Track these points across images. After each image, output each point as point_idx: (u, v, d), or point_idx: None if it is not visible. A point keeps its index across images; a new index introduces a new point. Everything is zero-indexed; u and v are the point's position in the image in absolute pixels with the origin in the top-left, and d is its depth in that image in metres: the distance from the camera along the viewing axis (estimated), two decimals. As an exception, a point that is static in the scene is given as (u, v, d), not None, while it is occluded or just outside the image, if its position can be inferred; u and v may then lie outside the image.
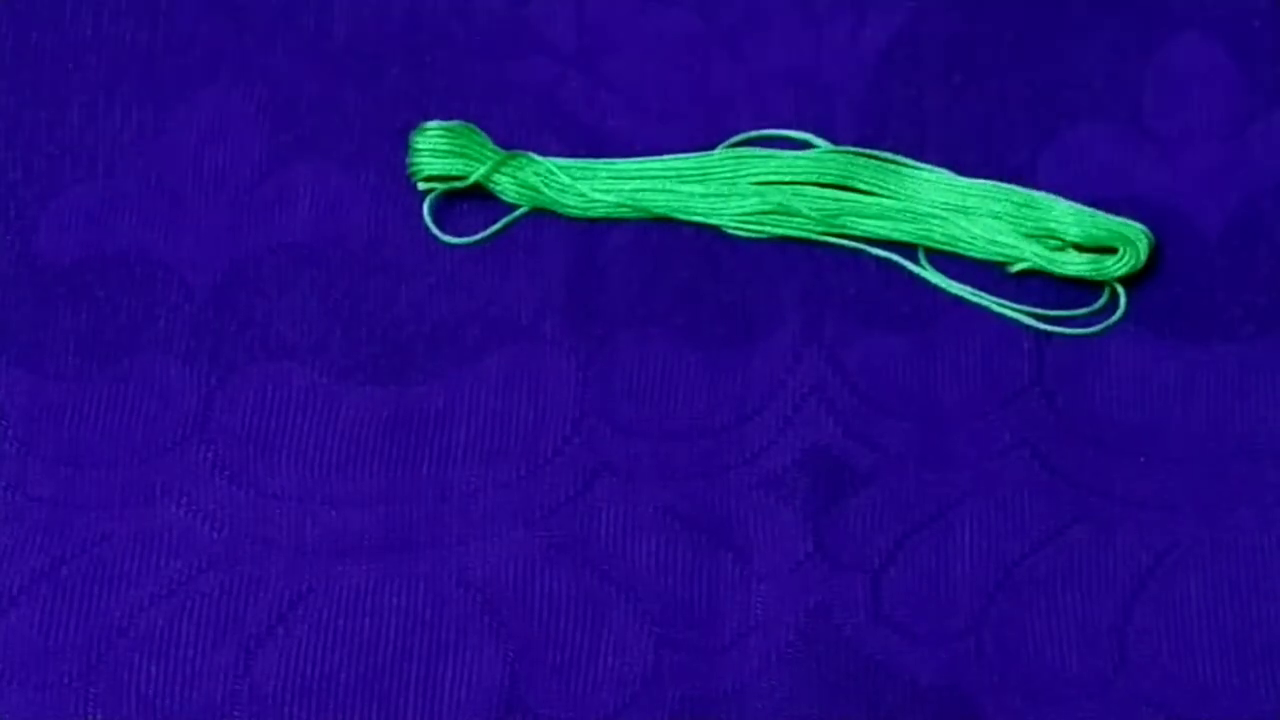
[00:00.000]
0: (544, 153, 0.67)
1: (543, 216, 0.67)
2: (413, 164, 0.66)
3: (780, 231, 0.66)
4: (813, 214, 0.66)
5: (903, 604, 0.62)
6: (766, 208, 0.66)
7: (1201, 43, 0.69)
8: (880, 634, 0.62)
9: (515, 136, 0.68)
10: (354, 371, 0.65)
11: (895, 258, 0.66)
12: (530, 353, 0.65)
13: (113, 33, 0.69)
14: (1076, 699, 0.61)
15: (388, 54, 0.69)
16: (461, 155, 0.66)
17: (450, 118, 0.67)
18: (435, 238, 0.66)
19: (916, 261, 0.66)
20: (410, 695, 0.61)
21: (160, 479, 0.63)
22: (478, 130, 0.67)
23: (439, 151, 0.66)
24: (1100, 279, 0.65)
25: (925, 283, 0.66)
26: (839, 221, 0.66)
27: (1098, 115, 0.68)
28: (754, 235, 0.66)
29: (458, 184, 0.66)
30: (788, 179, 0.67)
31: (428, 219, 0.66)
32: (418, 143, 0.66)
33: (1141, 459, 0.64)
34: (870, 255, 0.66)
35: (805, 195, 0.66)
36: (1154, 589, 0.62)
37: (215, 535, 0.62)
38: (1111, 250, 0.65)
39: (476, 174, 0.66)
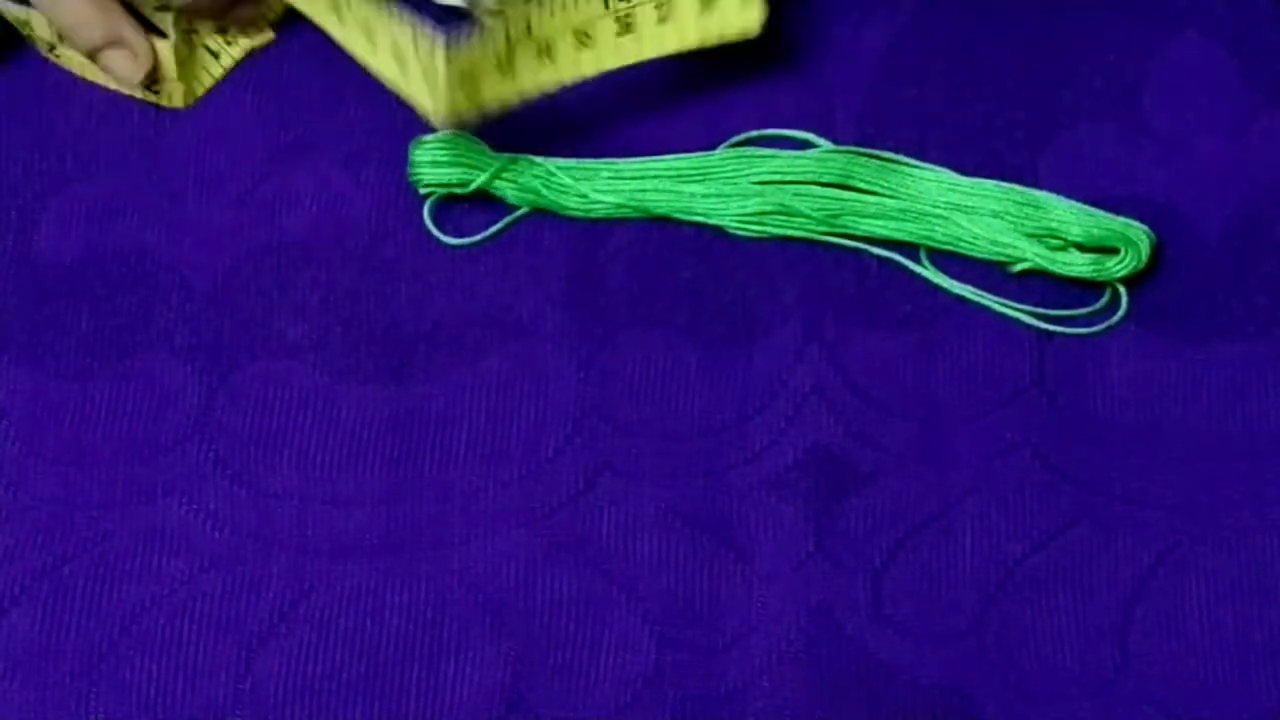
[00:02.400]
0: (544, 153, 0.67)
1: (544, 216, 0.67)
2: (412, 175, 0.66)
3: (782, 231, 0.66)
4: (814, 214, 0.66)
5: (904, 603, 0.62)
6: (768, 208, 0.66)
7: (1202, 42, 0.69)
8: (881, 633, 0.62)
9: (515, 136, 0.68)
10: (355, 371, 0.65)
11: (896, 257, 0.66)
12: (531, 352, 0.65)
13: (113, 32, 0.69)
14: (1077, 698, 0.61)
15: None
16: (460, 164, 0.66)
17: (451, 117, 0.68)
18: (436, 239, 0.66)
19: (918, 261, 0.66)
20: (411, 695, 0.61)
21: (161, 478, 0.63)
22: (475, 138, 0.67)
23: (438, 163, 0.66)
24: (1102, 280, 0.65)
25: (926, 282, 0.66)
26: (840, 221, 0.66)
27: (1098, 115, 0.68)
28: (755, 235, 0.66)
29: (459, 190, 0.66)
30: (789, 179, 0.67)
31: (428, 221, 0.66)
32: (416, 155, 0.66)
33: (1143, 458, 0.64)
34: (871, 255, 0.66)
35: (807, 195, 0.66)
36: (1155, 588, 0.63)
37: (216, 534, 0.62)
38: (1113, 250, 0.66)
39: (478, 181, 0.66)
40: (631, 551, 0.63)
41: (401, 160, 0.67)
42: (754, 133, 0.68)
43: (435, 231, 0.66)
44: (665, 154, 0.67)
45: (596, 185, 0.66)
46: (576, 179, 0.66)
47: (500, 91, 0.65)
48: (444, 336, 0.65)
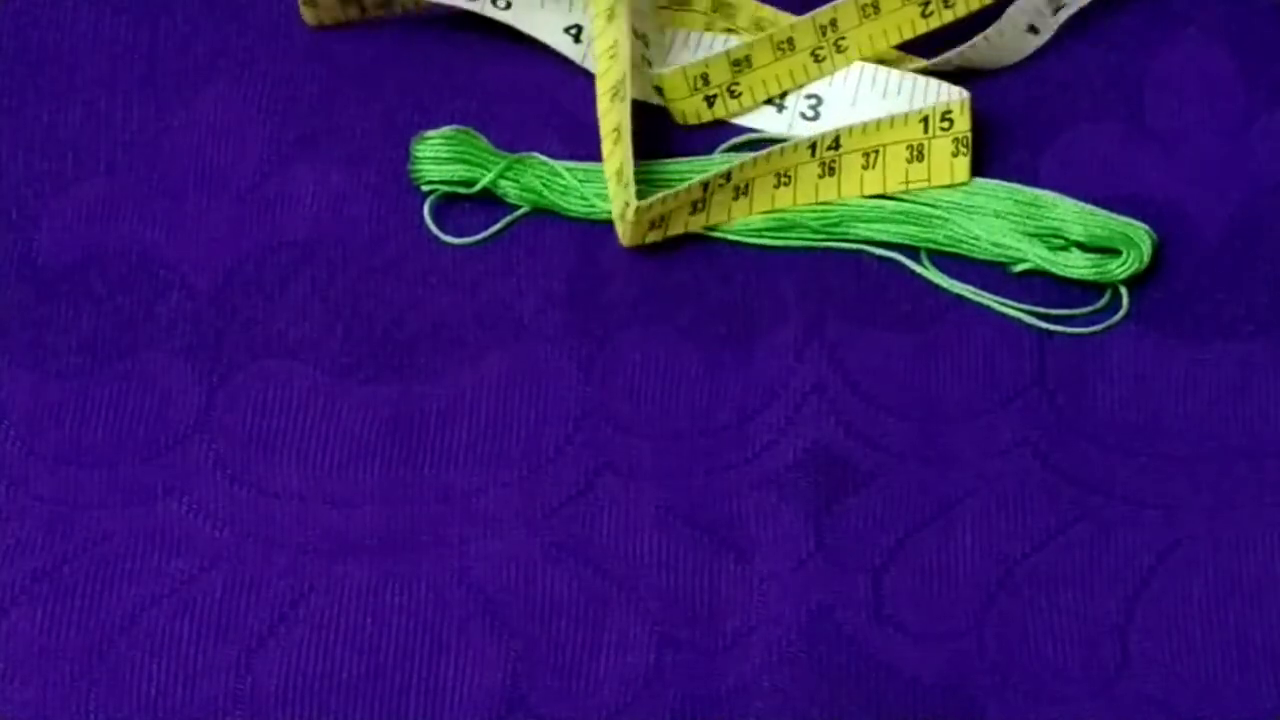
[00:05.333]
0: (545, 153, 0.67)
1: (545, 215, 0.67)
2: (414, 171, 0.66)
3: (783, 242, 0.66)
4: (814, 224, 0.66)
5: (904, 603, 0.62)
6: (771, 223, 0.66)
7: (1202, 42, 0.69)
8: (882, 633, 0.62)
9: (516, 136, 0.68)
10: (355, 370, 0.64)
11: (897, 256, 0.66)
12: (532, 352, 0.65)
13: (113, 32, 0.69)
14: (1078, 697, 0.61)
15: (389, 52, 0.69)
16: (463, 161, 0.66)
17: (451, 116, 0.67)
18: (436, 238, 0.66)
19: (918, 260, 0.66)
20: (411, 694, 0.61)
21: (162, 478, 0.63)
22: (477, 135, 0.67)
23: (440, 159, 0.66)
24: (1103, 282, 0.65)
25: (927, 282, 0.66)
26: (841, 229, 0.66)
27: (1098, 115, 0.68)
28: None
29: (462, 189, 0.66)
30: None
31: (429, 220, 0.66)
32: (419, 151, 0.66)
33: (1143, 458, 0.64)
34: (872, 254, 0.66)
35: (807, 206, 0.66)
36: (1155, 588, 0.62)
37: (217, 534, 0.62)
38: (1114, 250, 0.65)
39: (484, 180, 0.66)
40: (631, 551, 0.63)
41: (402, 160, 0.67)
42: (752, 136, 0.68)
43: (436, 230, 0.66)
44: (666, 151, 0.67)
45: (599, 189, 0.66)
46: (580, 180, 0.66)
47: (690, 224, 0.66)
48: (444, 336, 0.65)
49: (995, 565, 0.63)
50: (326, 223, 0.66)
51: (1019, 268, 0.66)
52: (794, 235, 0.66)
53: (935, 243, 0.66)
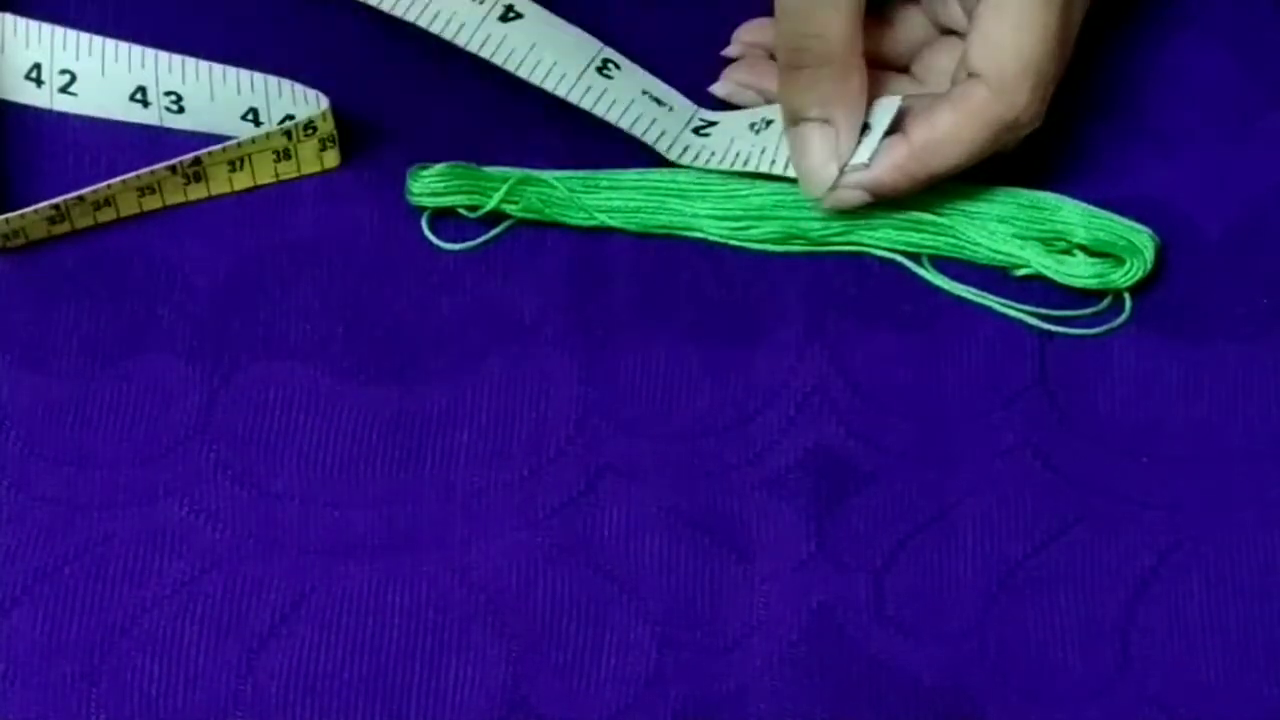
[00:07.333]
0: (544, 150, 0.67)
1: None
2: (413, 201, 0.66)
3: (787, 249, 0.66)
4: (816, 234, 0.66)
5: (905, 604, 0.62)
6: (771, 233, 0.66)
7: (1202, 42, 0.69)
8: (883, 634, 0.62)
9: (518, 134, 0.68)
10: (357, 371, 0.64)
11: (898, 258, 0.66)
12: (533, 353, 0.65)
13: (115, 34, 0.69)
14: (1079, 698, 0.61)
15: (389, 52, 0.69)
16: (461, 192, 0.66)
17: (453, 116, 0.67)
18: (437, 242, 0.66)
19: (919, 262, 0.66)
20: (413, 695, 0.61)
21: (163, 479, 0.63)
22: (472, 166, 0.66)
23: (437, 193, 0.66)
24: (1107, 289, 0.65)
25: (928, 282, 0.66)
26: (843, 237, 0.66)
27: (1098, 115, 0.68)
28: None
29: (466, 212, 0.66)
30: (789, 194, 0.66)
31: (426, 230, 0.66)
32: (414, 186, 0.66)
33: (1144, 459, 0.64)
34: (873, 256, 0.66)
35: (810, 216, 0.66)
36: (1157, 589, 0.63)
37: (218, 535, 0.62)
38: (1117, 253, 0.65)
39: (486, 207, 0.66)
40: (633, 552, 0.63)
41: (404, 160, 0.66)
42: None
43: (434, 239, 0.66)
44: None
45: (598, 200, 0.66)
46: (578, 192, 0.66)
47: (51, 230, 0.66)
48: (446, 337, 0.65)
49: (996, 566, 0.63)
50: (328, 224, 0.66)
51: (1021, 271, 0.66)
52: (795, 244, 0.66)
53: (937, 249, 0.66)
